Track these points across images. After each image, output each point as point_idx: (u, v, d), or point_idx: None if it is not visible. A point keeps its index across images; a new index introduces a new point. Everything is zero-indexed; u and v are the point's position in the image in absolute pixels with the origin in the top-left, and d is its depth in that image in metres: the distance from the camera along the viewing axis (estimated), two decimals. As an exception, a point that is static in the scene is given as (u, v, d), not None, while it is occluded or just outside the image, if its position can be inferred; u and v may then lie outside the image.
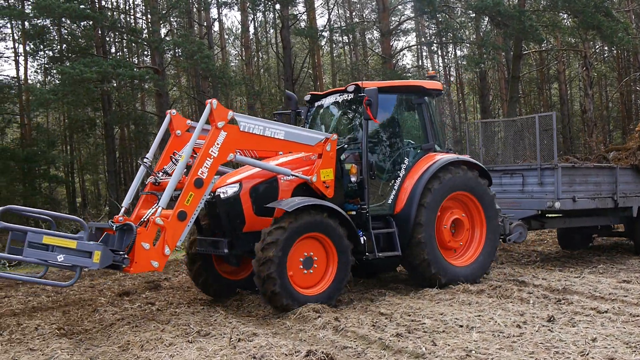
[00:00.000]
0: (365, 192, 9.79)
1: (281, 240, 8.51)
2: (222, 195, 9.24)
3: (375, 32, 42.40)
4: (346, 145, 10.10)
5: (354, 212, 9.80)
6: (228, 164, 9.40)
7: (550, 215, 13.69)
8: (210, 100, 8.73)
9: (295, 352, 6.48)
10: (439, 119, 11.05)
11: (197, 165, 8.55)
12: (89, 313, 9.57)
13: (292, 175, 9.36)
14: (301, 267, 8.87)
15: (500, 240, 11.80)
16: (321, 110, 11.27)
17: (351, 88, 10.13)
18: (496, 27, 28.61)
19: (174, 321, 8.53)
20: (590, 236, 15.59)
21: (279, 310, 8.66)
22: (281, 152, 9.92)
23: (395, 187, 10.20)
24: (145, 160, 9.72)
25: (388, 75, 27.15)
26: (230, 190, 9.24)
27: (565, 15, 31.07)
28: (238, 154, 9.00)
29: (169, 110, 9.92)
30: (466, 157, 10.89)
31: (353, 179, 9.81)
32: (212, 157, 8.63)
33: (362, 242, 9.51)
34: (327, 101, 11.02)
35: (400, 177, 10.25)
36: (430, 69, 45.90)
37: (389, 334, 7.30)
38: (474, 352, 6.52)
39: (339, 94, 10.72)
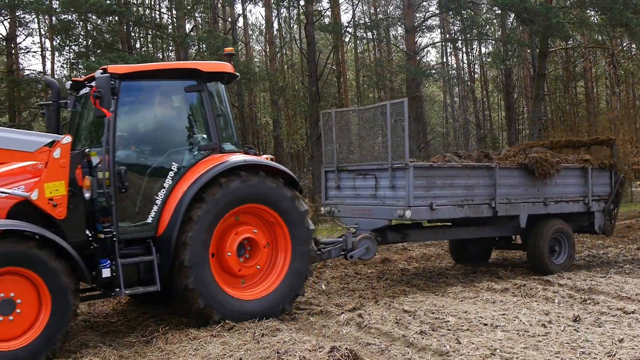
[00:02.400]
0: (112, 210, 7.44)
1: None
2: None
3: (399, 28, 42.23)
4: (87, 150, 7.75)
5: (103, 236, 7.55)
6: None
7: (431, 224, 11.66)
8: None
9: (318, 347, 6.49)
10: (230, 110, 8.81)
11: None
12: (114, 305, 9.66)
13: None
14: None
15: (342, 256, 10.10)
16: (87, 101, 8.50)
17: (99, 73, 7.63)
18: (522, 23, 28.37)
19: (198, 315, 8.58)
20: (489, 249, 13.42)
21: None
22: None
23: (159, 202, 7.80)
24: None
25: (412, 72, 27.03)
26: None
27: (593, 12, 30.69)
28: None
29: None
30: (262, 159, 8.46)
31: (87, 194, 7.37)
32: None
33: (110, 275, 7.30)
34: (88, 89, 8.39)
35: (166, 188, 7.83)
36: (454, 65, 45.69)
37: (413, 332, 7.29)
38: (498, 350, 6.49)
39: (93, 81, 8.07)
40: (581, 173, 12.04)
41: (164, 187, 7.83)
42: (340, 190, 11.39)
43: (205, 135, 8.31)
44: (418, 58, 31.60)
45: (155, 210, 7.78)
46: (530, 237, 11.54)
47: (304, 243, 8.57)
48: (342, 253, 10.01)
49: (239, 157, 8.18)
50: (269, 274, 8.47)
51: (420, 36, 40.18)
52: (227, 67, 8.68)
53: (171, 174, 7.87)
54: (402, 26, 34.52)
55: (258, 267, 8.36)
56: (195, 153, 8.17)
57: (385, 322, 7.84)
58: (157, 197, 7.80)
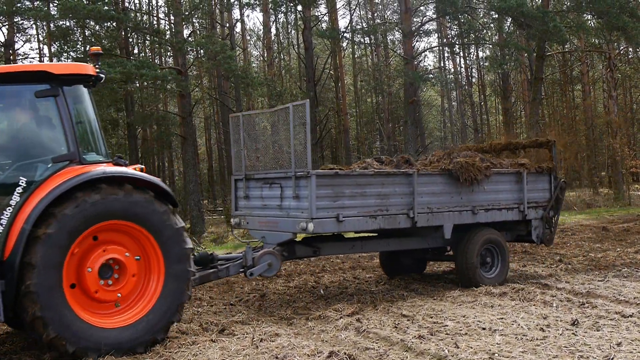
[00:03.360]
0: None
1: None
2: None
3: (397, 33, 42.33)
4: None
5: None
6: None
7: (361, 235, 10.78)
8: None
9: (317, 352, 6.50)
10: (93, 116, 7.81)
11: None
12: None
13: None
14: None
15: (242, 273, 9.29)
16: None
17: None
18: (519, 27, 28.47)
19: (197, 320, 8.61)
20: (424, 260, 12.51)
21: None
22: None
23: (4, 222, 6.83)
24: None
25: (409, 76, 27.08)
26: None
27: (590, 16, 30.81)
28: None
29: None
30: (130, 171, 7.47)
31: None
32: None
33: None
34: None
35: (12, 205, 6.87)
36: (452, 69, 45.76)
37: (411, 336, 7.29)
38: (497, 355, 6.49)
39: None
40: (515, 178, 11.14)
41: (11, 205, 6.86)
42: (249, 200, 10.48)
43: (62, 146, 7.30)
44: (416, 62, 31.67)
45: (0, 231, 6.81)
46: (459, 248, 10.70)
47: (180, 263, 7.53)
48: (241, 270, 9.21)
49: (99, 169, 7.20)
50: (139, 299, 7.40)
51: (417, 41, 40.27)
52: (86, 68, 7.60)
53: (19, 189, 6.91)
54: (400, 31, 34.60)
55: (120, 294, 7.24)
56: (49, 165, 7.15)
57: (384, 327, 7.85)
58: (2, 217, 6.84)
